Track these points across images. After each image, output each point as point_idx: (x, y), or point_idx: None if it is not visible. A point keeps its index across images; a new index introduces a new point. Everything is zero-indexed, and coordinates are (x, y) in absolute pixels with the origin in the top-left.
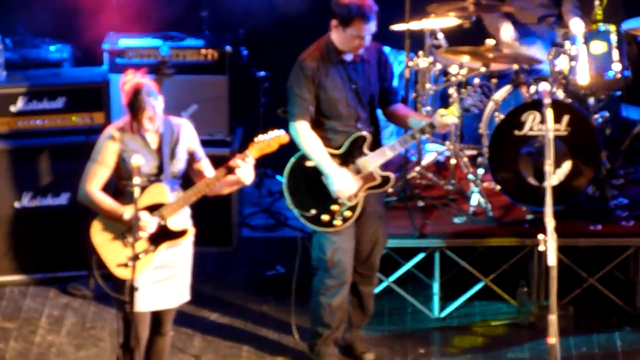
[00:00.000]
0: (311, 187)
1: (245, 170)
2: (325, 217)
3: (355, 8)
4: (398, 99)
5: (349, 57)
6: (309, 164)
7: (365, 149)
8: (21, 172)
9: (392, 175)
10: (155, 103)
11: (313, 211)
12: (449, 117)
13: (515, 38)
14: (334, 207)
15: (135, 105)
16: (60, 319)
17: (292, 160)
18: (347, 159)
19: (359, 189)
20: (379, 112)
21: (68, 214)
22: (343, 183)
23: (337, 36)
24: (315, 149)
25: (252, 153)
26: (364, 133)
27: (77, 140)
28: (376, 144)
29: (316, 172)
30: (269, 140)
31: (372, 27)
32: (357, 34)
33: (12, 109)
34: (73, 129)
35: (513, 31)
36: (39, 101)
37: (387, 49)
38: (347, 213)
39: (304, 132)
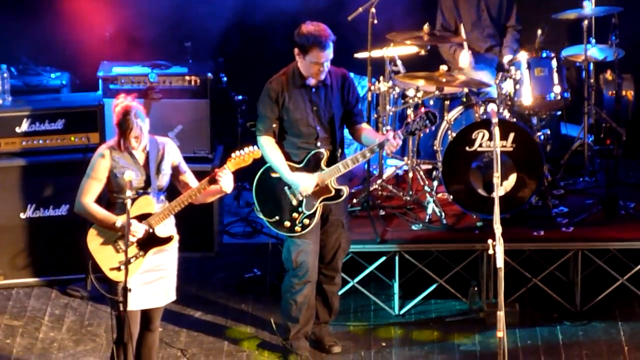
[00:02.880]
0: (275, 196)
1: (225, 180)
2: (287, 224)
3: (312, 37)
4: (363, 120)
5: (311, 82)
6: (273, 175)
7: (323, 165)
8: (26, 186)
9: (345, 189)
10: (142, 124)
11: (276, 217)
12: (390, 142)
13: (472, 64)
14: (294, 215)
15: (124, 125)
16: (61, 317)
17: (260, 171)
18: (306, 172)
19: (316, 199)
20: (345, 131)
21: (67, 223)
22: (302, 181)
23: (300, 63)
24: (277, 160)
25: (230, 166)
26: (322, 150)
27: (76, 158)
28: (333, 160)
29: (279, 183)
30: (244, 155)
31: (329, 54)
32: (316, 61)
33: (17, 130)
34: (72, 147)
35: (470, 58)
36: (41, 123)
37: (351, 74)
38: (306, 221)
39: (268, 145)
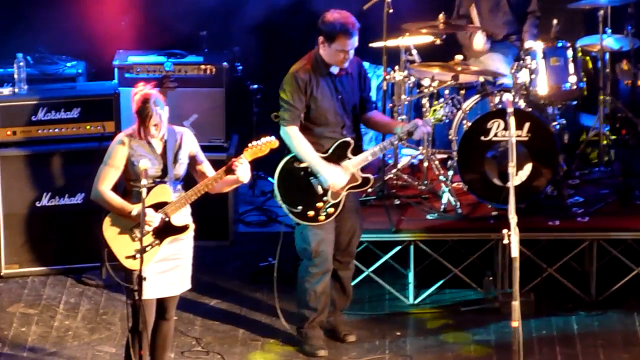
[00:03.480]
0: (299, 185)
1: (243, 169)
2: (310, 213)
3: (339, 25)
4: (373, 107)
5: (335, 70)
6: (297, 165)
7: (349, 153)
8: (41, 175)
9: (371, 177)
10: (162, 112)
11: (300, 207)
12: (422, 127)
13: (487, 47)
14: (319, 204)
15: (144, 113)
16: (76, 305)
17: (283, 161)
18: (332, 161)
19: (344, 186)
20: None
21: (83, 212)
22: (334, 177)
23: (324, 51)
24: (306, 150)
25: (246, 156)
26: (348, 139)
27: (91, 146)
28: (358, 149)
29: (304, 172)
30: (261, 145)
31: (354, 42)
32: (342, 49)
33: (33, 118)
34: (87, 136)
35: (485, 39)
36: (57, 112)
37: (366, 64)
38: (330, 210)
39: (296, 136)
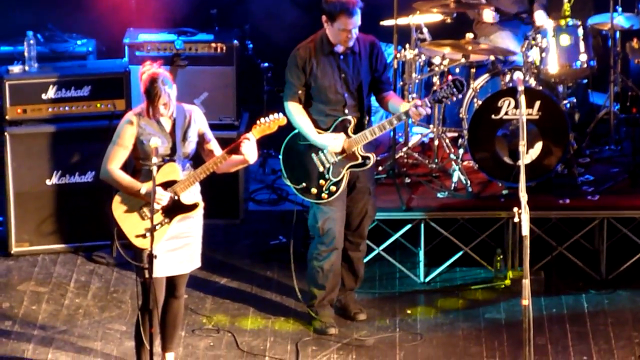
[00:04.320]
0: (302, 163)
1: (248, 147)
2: (313, 190)
3: (340, 4)
4: (389, 88)
5: (339, 49)
6: (300, 141)
7: (350, 132)
8: (52, 153)
9: (372, 156)
10: (170, 91)
11: (303, 184)
12: (419, 108)
13: (496, 19)
14: (321, 182)
15: (152, 92)
16: (87, 283)
17: (287, 138)
18: None
19: (343, 167)
20: (372, 99)
21: (93, 190)
22: (331, 141)
23: (328, 30)
24: (303, 124)
25: (254, 133)
26: (349, 117)
27: (101, 124)
28: (360, 127)
29: (307, 150)
30: (269, 122)
31: (356, 20)
32: (344, 28)
33: (44, 96)
34: (97, 114)
35: (494, 13)
36: (67, 90)
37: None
38: (332, 188)
39: (295, 110)
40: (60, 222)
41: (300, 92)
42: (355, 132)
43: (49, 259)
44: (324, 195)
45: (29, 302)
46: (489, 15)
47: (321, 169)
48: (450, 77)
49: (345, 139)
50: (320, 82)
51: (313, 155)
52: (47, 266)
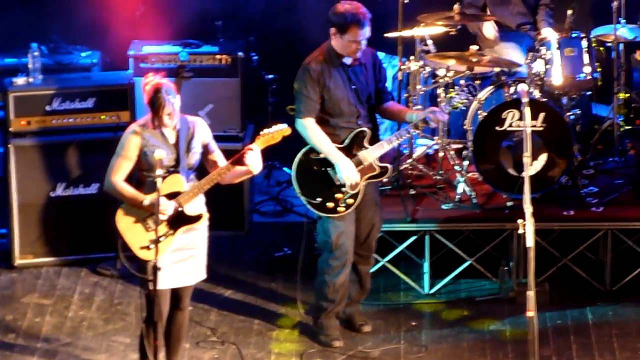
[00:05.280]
0: (317, 177)
1: (252, 158)
2: (330, 205)
3: (351, 16)
4: (389, 98)
5: (348, 61)
6: (314, 156)
7: (366, 143)
8: (55, 165)
9: (389, 166)
10: (174, 101)
11: (319, 199)
12: (438, 113)
13: (497, 35)
14: (338, 195)
15: (156, 103)
16: (91, 296)
17: (300, 153)
18: (349, 152)
19: (360, 178)
20: None
21: (97, 202)
22: (349, 171)
23: (336, 42)
24: (323, 142)
25: (259, 144)
26: (365, 129)
27: (106, 136)
28: (375, 139)
29: (322, 164)
30: (273, 132)
31: (366, 32)
32: (354, 39)
33: (48, 108)
34: (102, 126)
35: (495, 28)
36: (72, 102)
37: (381, 54)
38: (350, 201)
39: (312, 127)
40: (64, 234)
41: (318, 106)
42: (371, 143)
43: (52, 271)
44: (340, 208)
45: (33, 315)
46: (489, 30)
47: (338, 182)
48: (463, 82)
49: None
50: (334, 95)
51: (330, 169)
52: (51, 278)
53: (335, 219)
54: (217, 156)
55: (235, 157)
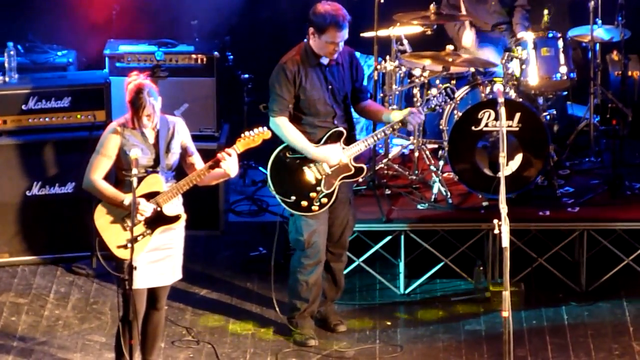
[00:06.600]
0: (292, 176)
1: (230, 162)
2: (304, 203)
3: (330, 17)
4: (367, 97)
5: (325, 61)
6: (290, 155)
7: (342, 143)
8: (31, 164)
9: (364, 167)
10: (155, 102)
11: (293, 197)
12: (416, 115)
13: (475, 43)
14: (312, 194)
15: (137, 103)
16: (67, 295)
17: (275, 152)
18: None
19: (335, 178)
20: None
21: (73, 201)
22: (327, 153)
23: (313, 42)
24: (298, 138)
25: (239, 147)
26: (341, 128)
27: (82, 135)
28: (351, 139)
29: (296, 162)
30: (254, 135)
31: (344, 34)
32: (332, 41)
33: (24, 107)
34: (78, 125)
35: (474, 37)
36: (47, 101)
37: (357, 54)
38: (324, 200)
39: (285, 125)
40: (40, 233)
41: (290, 106)
42: (347, 143)
43: (28, 270)
44: (314, 207)
45: (9, 314)
46: (468, 39)
47: (314, 181)
48: (441, 85)
49: (341, 148)
50: (310, 94)
51: (305, 168)
52: (26, 277)
53: (308, 217)
54: (196, 158)
55: (213, 159)
